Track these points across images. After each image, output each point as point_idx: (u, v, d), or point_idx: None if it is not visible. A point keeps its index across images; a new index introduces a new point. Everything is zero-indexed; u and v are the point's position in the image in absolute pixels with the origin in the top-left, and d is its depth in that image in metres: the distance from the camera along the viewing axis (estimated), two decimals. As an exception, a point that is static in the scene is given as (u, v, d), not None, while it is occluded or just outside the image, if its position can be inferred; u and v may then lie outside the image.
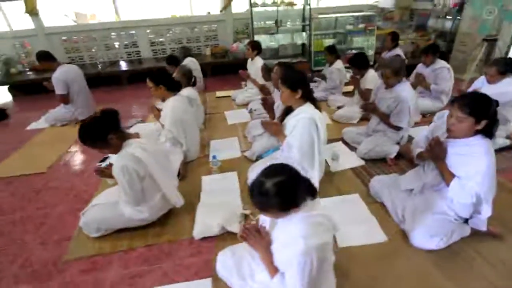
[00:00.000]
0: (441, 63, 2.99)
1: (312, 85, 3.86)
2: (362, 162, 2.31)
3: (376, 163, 2.30)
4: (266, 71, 3.09)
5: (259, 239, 1.13)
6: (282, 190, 0.92)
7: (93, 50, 5.63)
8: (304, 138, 1.68)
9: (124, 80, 4.99)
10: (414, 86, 3.21)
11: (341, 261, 1.47)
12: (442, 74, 2.97)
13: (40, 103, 4.28)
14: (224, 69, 5.14)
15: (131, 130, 3.13)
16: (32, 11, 4.94)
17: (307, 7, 4.12)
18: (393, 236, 1.62)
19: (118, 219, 1.67)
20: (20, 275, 1.54)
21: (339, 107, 3.33)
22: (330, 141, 2.68)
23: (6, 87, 4.78)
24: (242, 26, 5.54)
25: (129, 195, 1.52)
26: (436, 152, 1.58)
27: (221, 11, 5.41)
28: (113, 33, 5.51)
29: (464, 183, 1.45)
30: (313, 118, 1.66)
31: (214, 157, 2.30)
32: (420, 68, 3.19)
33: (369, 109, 2.38)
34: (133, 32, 5.56)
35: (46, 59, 3.09)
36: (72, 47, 5.49)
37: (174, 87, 2.30)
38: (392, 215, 1.75)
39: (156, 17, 5.74)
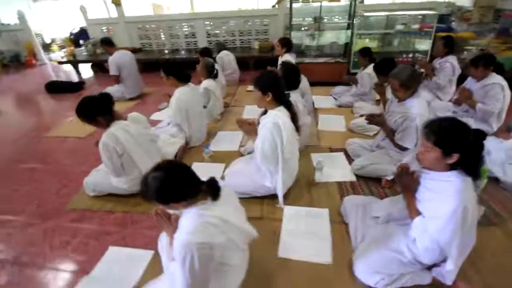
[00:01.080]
0: (494, 78, 2.43)
1: (343, 88, 3.71)
2: (353, 178, 2.14)
3: (369, 182, 2.10)
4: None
5: (167, 225, 1.24)
6: (159, 184, 1.00)
7: (162, 38, 6.40)
8: (266, 142, 1.67)
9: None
10: (458, 102, 2.74)
11: (274, 270, 1.47)
12: (492, 91, 2.42)
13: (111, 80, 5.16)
14: (267, 64, 5.18)
15: (160, 113, 3.55)
16: (116, 2, 5.89)
17: (353, 2, 3.78)
18: (340, 261, 1.50)
19: (107, 185, 2.00)
20: (34, 212, 2.02)
21: (362, 115, 3.06)
22: (333, 150, 2.55)
23: (90, 64, 5.89)
24: (294, 21, 5.46)
25: (109, 167, 1.81)
26: (404, 182, 1.39)
27: (273, 6, 5.43)
28: (176, 24, 6.13)
29: (427, 224, 1.25)
30: (277, 123, 1.64)
31: (207, 146, 2.46)
32: (469, 82, 2.66)
33: (374, 122, 2.15)
34: (193, 23, 6.07)
35: (107, 44, 3.72)
36: (145, 35, 6.34)
37: (183, 78, 2.51)
38: (351, 239, 1.61)
39: (218, 9, 6.14)
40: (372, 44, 3.96)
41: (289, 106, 1.76)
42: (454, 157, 1.14)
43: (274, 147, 1.67)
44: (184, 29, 6.16)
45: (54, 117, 3.79)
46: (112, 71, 3.73)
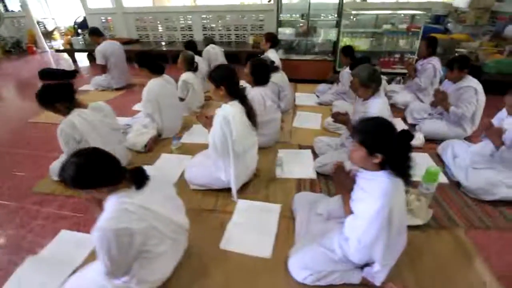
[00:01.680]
0: (469, 81, 2.38)
1: (326, 87, 3.68)
2: (313, 176, 2.14)
3: (329, 181, 2.10)
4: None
5: (97, 210, 1.27)
6: (75, 170, 1.03)
7: (159, 30, 6.42)
8: (216, 136, 1.69)
9: (169, 59, 5.57)
10: (434, 104, 2.70)
11: (213, 261, 1.50)
12: (465, 94, 2.37)
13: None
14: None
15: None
16: (115, -7, 5.94)
17: (341, 0, 3.72)
18: (280, 256, 1.52)
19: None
20: (3, 193, 2.10)
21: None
22: (302, 147, 2.55)
23: (86, 54, 5.97)
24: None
25: (65, 152, 1.85)
26: (338, 179, 1.39)
27: (268, 1, 5.39)
28: (173, 17, 6.14)
29: (355, 224, 1.25)
30: (226, 117, 1.65)
31: (176, 138, 2.50)
32: (445, 84, 2.62)
33: (338, 120, 2.14)
34: (190, 16, 6.08)
35: (94, 34, 3.78)
36: (142, 26, 6.38)
37: (156, 70, 2.54)
38: (295, 234, 1.63)
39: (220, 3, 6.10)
40: (361, 43, 3.89)
41: (243, 101, 1.77)
42: (378, 157, 1.13)
43: (223, 140, 1.69)
44: (181, 22, 6.18)
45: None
46: (98, 61, 3.78)
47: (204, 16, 6.02)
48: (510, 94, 1.81)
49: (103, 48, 3.74)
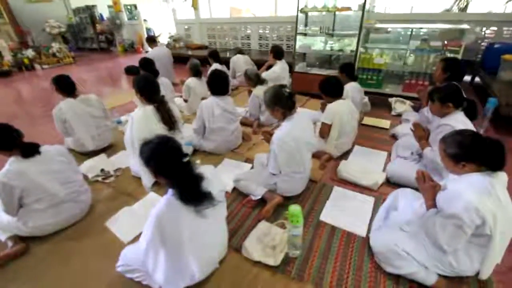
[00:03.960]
0: (451, 119, 1.85)
1: None
2: (229, 189, 2.18)
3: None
4: (247, 76, 3.15)
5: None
6: None
7: (226, 38, 7.24)
8: (127, 134, 2.04)
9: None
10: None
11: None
12: (440, 136, 1.84)
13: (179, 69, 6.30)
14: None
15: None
16: (194, 6, 7.07)
17: (363, 11, 3.30)
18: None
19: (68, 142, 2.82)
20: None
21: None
22: (247, 160, 2.57)
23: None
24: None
25: (56, 127, 2.59)
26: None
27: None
28: (237, 27, 6.79)
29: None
30: (132, 117, 1.97)
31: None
32: (435, 119, 2.09)
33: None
34: (250, 27, 6.58)
35: (149, 41, 4.75)
36: (212, 34, 7.34)
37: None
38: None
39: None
40: (381, 60, 3.37)
41: (158, 107, 2.04)
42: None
43: (130, 137, 2.02)
44: (242, 32, 6.77)
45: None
46: (147, 63, 4.74)
47: (262, 27, 6.40)
48: None
49: (153, 52, 4.66)
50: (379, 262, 1.52)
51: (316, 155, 2.55)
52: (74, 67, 7.69)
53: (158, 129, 2.07)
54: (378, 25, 3.42)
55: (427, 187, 1.48)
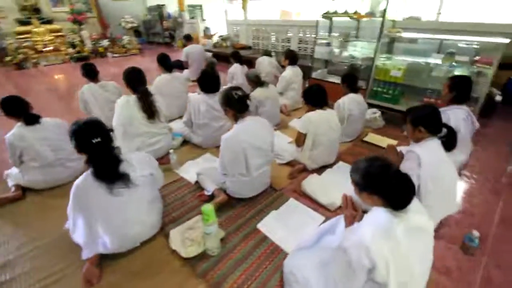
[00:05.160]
0: (418, 146, 1.62)
1: None
2: (192, 181, 2.31)
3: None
4: (247, 78, 3.20)
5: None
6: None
7: (271, 40, 7.36)
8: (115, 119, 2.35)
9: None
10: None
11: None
12: (406, 163, 1.63)
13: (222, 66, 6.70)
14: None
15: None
16: (244, 7, 7.37)
17: (383, 19, 2.97)
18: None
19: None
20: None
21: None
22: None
23: (211, 53, 7.84)
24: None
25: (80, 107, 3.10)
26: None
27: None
28: (280, 29, 6.83)
29: None
30: (117, 102, 2.26)
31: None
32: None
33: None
34: (290, 29, 6.56)
35: (186, 39, 5.17)
36: (256, 35, 7.54)
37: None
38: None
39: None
40: (398, 73, 3.00)
41: (140, 97, 2.29)
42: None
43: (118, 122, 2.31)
44: (283, 34, 6.78)
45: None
46: (182, 58, 5.17)
47: (302, 30, 6.31)
48: None
49: (187, 49, 5.07)
50: (284, 281, 1.46)
51: (290, 164, 2.50)
52: (138, 57, 8.81)
53: (139, 117, 2.32)
54: (403, 34, 3.05)
55: (347, 214, 1.37)
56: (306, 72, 4.24)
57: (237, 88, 1.88)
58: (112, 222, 1.49)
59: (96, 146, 1.36)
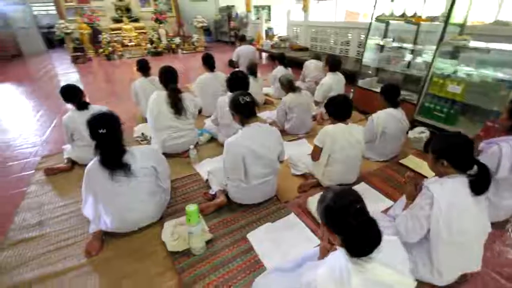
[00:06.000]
0: (444, 185, 1.33)
1: None
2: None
3: (205, 187, 2.31)
4: (280, 82, 3.12)
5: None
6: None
7: (330, 42, 7.03)
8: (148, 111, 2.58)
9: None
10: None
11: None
12: (418, 200, 1.39)
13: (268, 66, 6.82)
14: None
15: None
16: (305, 8, 7.20)
17: (446, 23, 2.44)
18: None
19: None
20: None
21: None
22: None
23: (267, 54, 7.90)
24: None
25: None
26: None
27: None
28: (340, 32, 6.46)
29: None
30: (151, 97, 2.48)
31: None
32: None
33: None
34: (351, 32, 6.12)
35: (240, 39, 5.33)
36: (315, 37, 7.28)
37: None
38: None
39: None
40: (457, 89, 2.47)
41: (170, 94, 2.49)
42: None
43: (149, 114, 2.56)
44: (342, 37, 6.37)
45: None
46: (233, 57, 5.36)
47: (363, 33, 5.82)
48: None
49: (239, 49, 5.24)
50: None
51: (304, 176, 2.37)
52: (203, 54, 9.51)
53: (166, 112, 2.51)
54: (471, 43, 2.51)
55: (321, 246, 1.26)
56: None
57: (246, 93, 1.86)
58: (111, 205, 1.66)
59: (101, 136, 1.54)
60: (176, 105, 2.52)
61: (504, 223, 1.87)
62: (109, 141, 1.57)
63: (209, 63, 3.65)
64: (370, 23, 3.34)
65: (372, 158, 2.64)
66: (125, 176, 1.62)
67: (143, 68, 3.42)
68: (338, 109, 2.09)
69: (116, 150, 1.61)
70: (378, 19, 3.34)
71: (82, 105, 2.48)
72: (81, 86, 2.58)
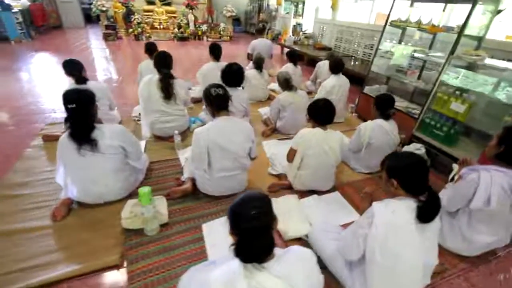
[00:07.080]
0: (388, 209, 1.29)
1: None
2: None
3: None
4: (278, 80, 3.06)
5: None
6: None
7: (354, 44, 6.75)
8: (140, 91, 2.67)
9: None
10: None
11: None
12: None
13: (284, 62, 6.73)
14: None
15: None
16: (334, 8, 6.94)
17: (459, 34, 2.22)
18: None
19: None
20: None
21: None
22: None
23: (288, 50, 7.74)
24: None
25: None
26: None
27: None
28: (366, 34, 6.16)
29: None
30: (144, 79, 2.55)
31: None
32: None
33: None
34: (376, 36, 5.81)
35: (257, 32, 5.28)
36: (339, 37, 7.01)
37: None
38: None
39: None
40: (460, 108, 2.25)
41: (161, 79, 2.55)
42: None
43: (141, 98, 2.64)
44: (367, 39, 6.08)
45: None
46: (248, 50, 5.33)
47: (389, 38, 5.50)
48: None
49: (254, 42, 5.19)
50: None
51: (279, 177, 2.34)
52: (227, 43, 9.55)
53: (157, 95, 2.58)
54: (487, 60, 2.26)
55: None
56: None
57: (219, 85, 1.86)
58: (77, 176, 1.77)
59: (70, 110, 1.62)
60: (167, 90, 2.57)
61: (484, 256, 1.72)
62: (78, 116, 1.66)
63: (215, 53, 3.67)
64: (384, 27, 3.15)
65: (357, 169, 2.54)
66: (91, 151, 1.70)
67: (150, 50, 3.52)
68: (318, 113, 2.03)
69: (84, 125, 1.69)
70: (392, 24, 3.14)
71: (80, 80, 2.62)
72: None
